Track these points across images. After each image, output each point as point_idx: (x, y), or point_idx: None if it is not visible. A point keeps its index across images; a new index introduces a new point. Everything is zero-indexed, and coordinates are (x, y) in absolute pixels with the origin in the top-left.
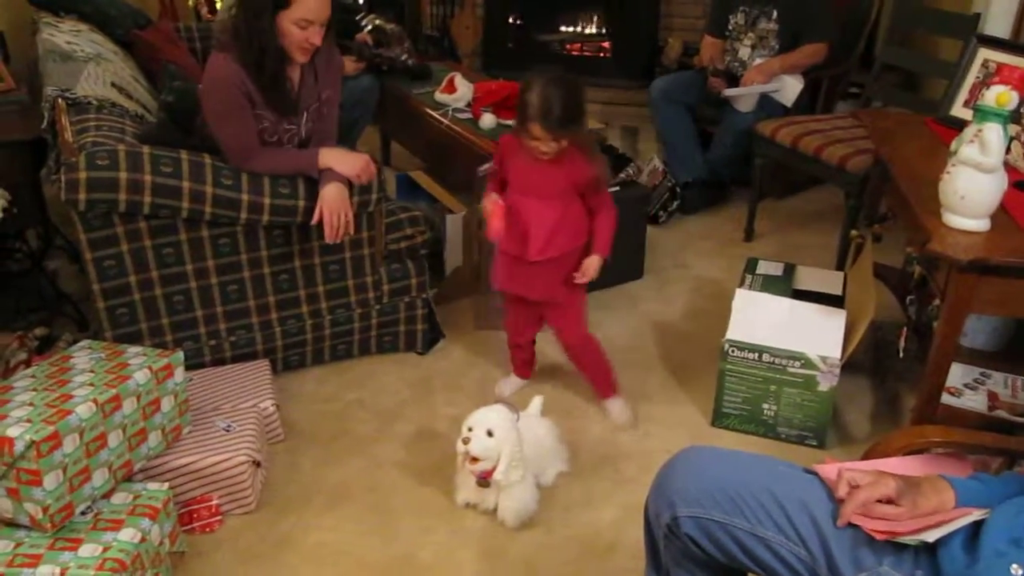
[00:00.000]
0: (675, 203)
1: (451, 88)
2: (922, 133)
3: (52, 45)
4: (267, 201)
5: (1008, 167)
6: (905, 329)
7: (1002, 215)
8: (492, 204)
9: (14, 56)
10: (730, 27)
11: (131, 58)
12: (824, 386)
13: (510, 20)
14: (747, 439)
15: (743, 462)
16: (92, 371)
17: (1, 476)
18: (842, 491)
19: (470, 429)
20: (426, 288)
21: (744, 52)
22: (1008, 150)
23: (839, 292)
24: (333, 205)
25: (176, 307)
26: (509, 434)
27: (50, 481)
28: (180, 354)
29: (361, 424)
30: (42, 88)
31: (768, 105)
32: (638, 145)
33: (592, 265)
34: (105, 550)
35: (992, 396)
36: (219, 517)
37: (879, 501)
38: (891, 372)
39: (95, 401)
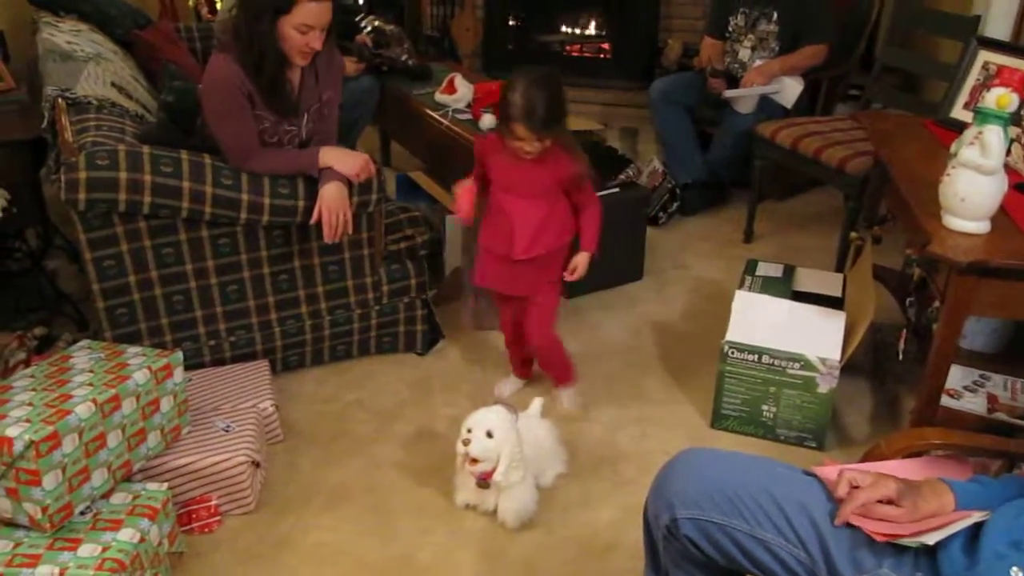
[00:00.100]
0: (675, 204)
1: (451, 89)
2: (922, 135)
3: (52, 45)
4: (267, 201)
5: (1008, 169)
6: (905, 331)
7: (1002, 217)
8: (461, 187)
9: (14, 55)
10: (730, 28)
11: (131, 58)
12: (823, 388)
13: (510, 21)
14: (746, 440)
15: (742, 464)
16: (91, 371)
17: (0, 476)
18: (842, 491)
19: (469, 430)
20: (426, 289)
21: (744, 54)
22: (1008, 152)
23: (839, 294)
24: (332, 204)
25: (175, 307)
26: (509, 435)
27: (49, 481)
28: (179, 354)
29: (360, 425)
30: (42, 88)
31: (768, 107)
32: (638, 146)
33: (581, 262)
34: (104, 550)
35: (991, 398)
36: (218, 517)
37: (879, 502)
38: (890, 374)
39: (94, 401)
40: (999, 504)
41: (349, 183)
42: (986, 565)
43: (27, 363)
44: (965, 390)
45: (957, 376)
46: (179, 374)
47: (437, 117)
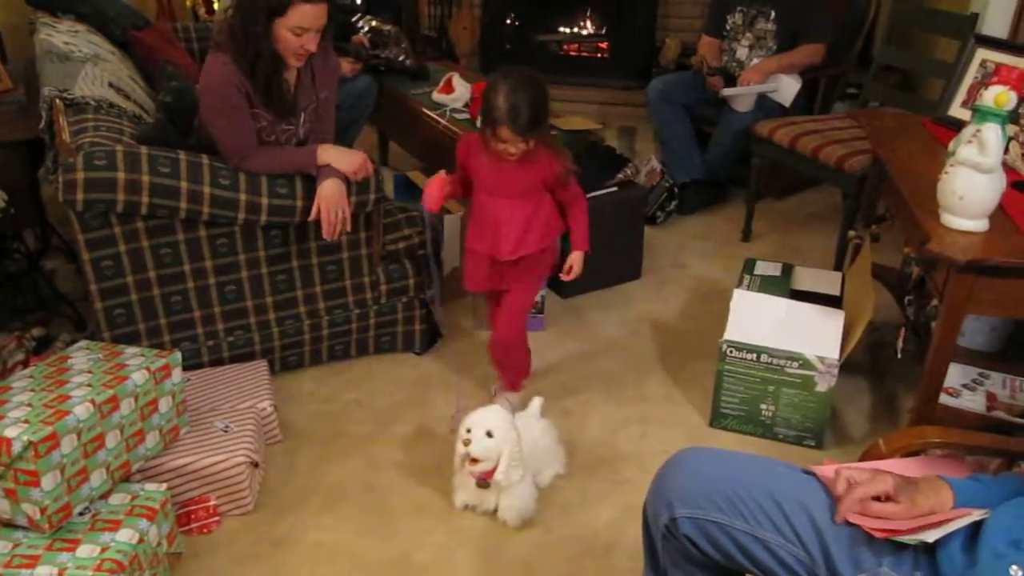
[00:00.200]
0: (673, 203)
1: (449, 88)
2: (920, 133)
3: (50, 45)
4: (265, 201)
5: (1006, 167)
6: (903, 329)
7: (1000, 215)
8: (435, 177)
9: (11, 56)
10: (728, 27)
11: (128, 58)
12: (822, 386)
13: (508, 20)
14: (745, 439)
15: (741, 463)
16: (90, 372)
17: None
18: (840, 488)
19: (469, 430)
20: (424, 288)
21: (742, 52)
22: (1006, 150)
23: (837, 292)
24: (330, 201)
25: (174, 307)
26: (509, 434)
27: (48, 482)
28: (178, 354)
29: (359, 424)
30: (40, 88)
31: (766, 105)
32: (635, 145)
33: (577, 261)
34: (103, 551)
35: (990, 396)
36: (217, 518)
37: (877, 499)
38: (889, 372)
39: (93, 402)
40: (998, 502)
41: (348, 181)
42: (985, 564)
43: (25, 364)
44: (964, 388)
45: (956, 374)
46: (177, 374)
47: (435, 117)
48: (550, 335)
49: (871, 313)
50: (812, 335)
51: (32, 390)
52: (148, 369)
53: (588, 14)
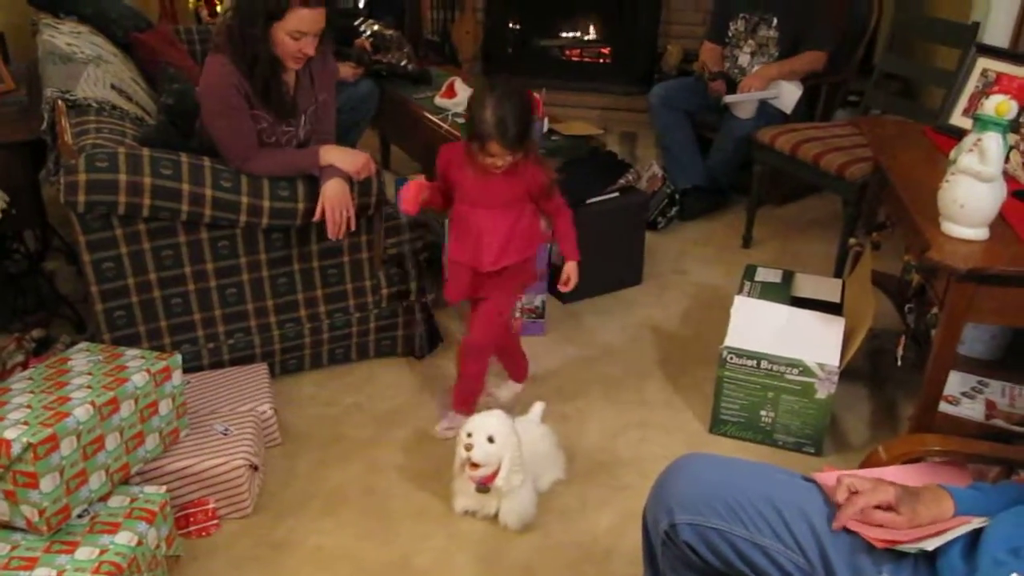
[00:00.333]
0: (674, 209)
1: (451, 93)
2: (921, 142)
3: (52, 47)
4: (266, 204)
5: (1007, 176)
6: (903, 337)
7: (1001, 224)
8: (414, 180)
9: (14, 57)
10: (730, 34)
11: (131, 60)
12: (822, 393)
13: (510, 25)
14: (745, 446)
15: (741, 469)
16: (90, 373)
17: None
18: (841, 496)
19: (469, 435)
20: (425, 292)
21: (744, 59)
22: (1007, 159)
23: (837, 299)
24: (335, 201)
25: (174, 310)
26: (509, 439)
27: (47, 484)
28: (178, 357)
29: (359, 428)
30: (42, 89)
31: (767, 112)
32: (637, 151)
33: (572, 272)
34: (102, 553)
35: (990, 405)
36: (216, 521)
37: (878, 508)
38: (889, 380)
39: (93, 404)
40: (998, 511)
41: (351, 181)
42: (985, 571)
43: (25, 365)
44: (963, 396)
45: (955, 382)
46: (177, 377)
47: (437, 121)
48: (550, 340)
49: (871, 320)
50: (812, 342)
51: (32, 392)
52: (148, 371)
53: (590, 20)
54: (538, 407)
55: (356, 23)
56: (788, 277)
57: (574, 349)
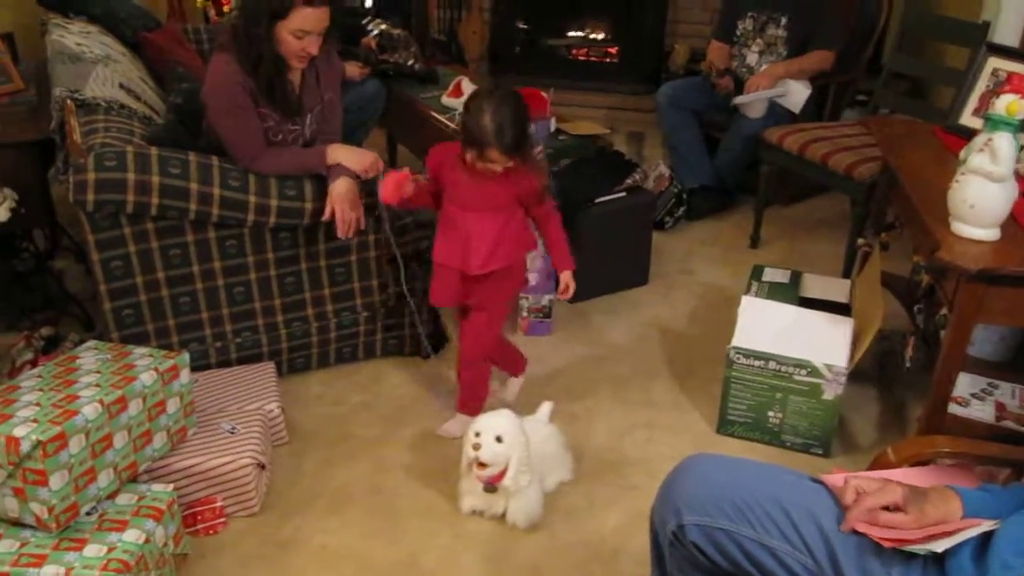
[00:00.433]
0: (681, 209)
1: (458, 92)
2: (930, 142)
3: (61, 46)
4: (274, 203)
5: (1018, 176)
6: (912, 338)
7: (1011, 225)
8: (400, 173)
9: (23, 57)
10: (738, 33)
11: (139, 60)
12: (830, 394)
13: (517, 25)
14: (752, 447)
15: (749, 470)
16: (98, 372)
17: (7, 476)
18: (848, 498)
19: (478, 434)
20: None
21: (752, 58)
22: (1018, 159)
23: (846, 300)
24: (343, 200)
25: (182, 308)
26: (518, 439)
27: (56, 481)
28: (186, 355)
29: (366, 427)
30: (51, 89)
31: (776, 112)
32: (644, 151)
33: (570, 280)
34: (110, 551)
35: (999, 406)
36: (223, 519)
37: (886, 508)
38: (897, 381)
39: (101, 402)
40: (1007, 513)
41: (358, 180)
42: (995, 574)
43: (34, 363)
44: (973, 398)
45: (965, 384)
46: (185, 375)
47: (444, 120)
48: (557, 340)
49: (880, 321)
50: (820, 343)
51: (41, 390)
52: (156, 370)
53: (598, 19)
54: (546, 407)
55: (363, 22)
56: (796, 277)
57: (581, 348)
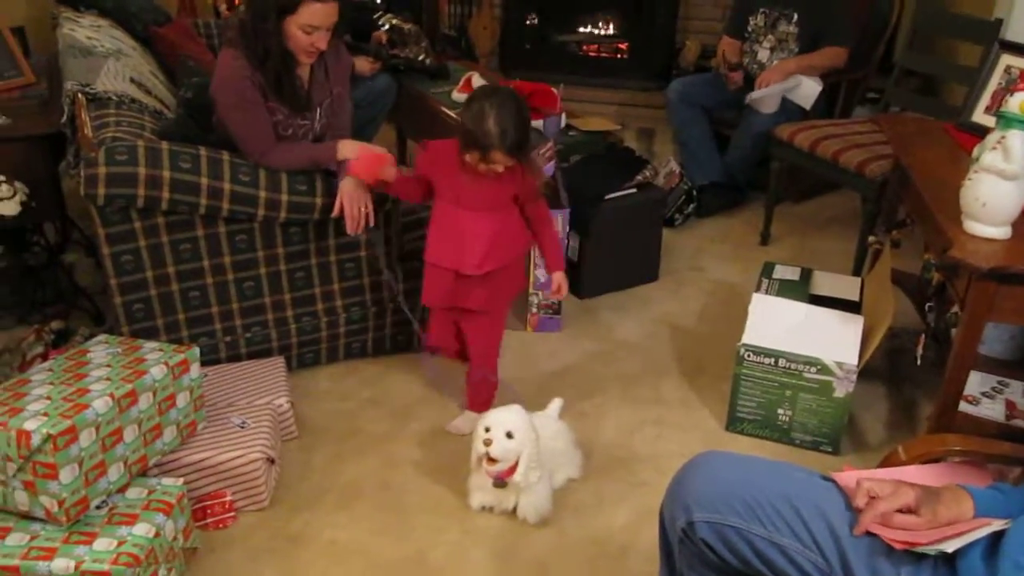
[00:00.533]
0: (691, 206)
1: (468, 87)
2: (942, 139)
3: (72, 40)
4: (284, 198)
5: None
6: (923, 336)
7: None
8: (383, 154)
9: (34, 50)
10: (749, 29)
11: (150, 54)
12: (840, 392)
13: (528, 20)
14: (761, 444)
15: (760, 468)
16: (109, 366)
17: (18, 469)
18: (860, 501)
19: (488, 430)
20: None
21: (763, 54)
22: None
23: (856, 298)
24: (353, 196)
25: (192, 303)
26: (528, 435)
27: (66, 475)
28: (196, 350)
29: (375, 422)
30: (62, 83)
31: (787, 109)
32: (654, 147)
33: (562, 281)
34: (119, 544)
35: (1010, 405)
36: (232, 513)
37: (899, 511)
38: (908, 379)
39: (112, 396)
40: (1019, 512)
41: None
42: (1006, 574)
43: (44, 357)
44: (983, 396)
45: (975, 382)
46: (195, 370)
47: (454, 116)
48: (566, 336)
49: (890, 319)
50: (831, 340)
51: (51, 383)
52: (166, 364)
53: (608, 15)
54: (556, 403)
55: (374, 17)
56: (806, 275)
57: (591, 345)
